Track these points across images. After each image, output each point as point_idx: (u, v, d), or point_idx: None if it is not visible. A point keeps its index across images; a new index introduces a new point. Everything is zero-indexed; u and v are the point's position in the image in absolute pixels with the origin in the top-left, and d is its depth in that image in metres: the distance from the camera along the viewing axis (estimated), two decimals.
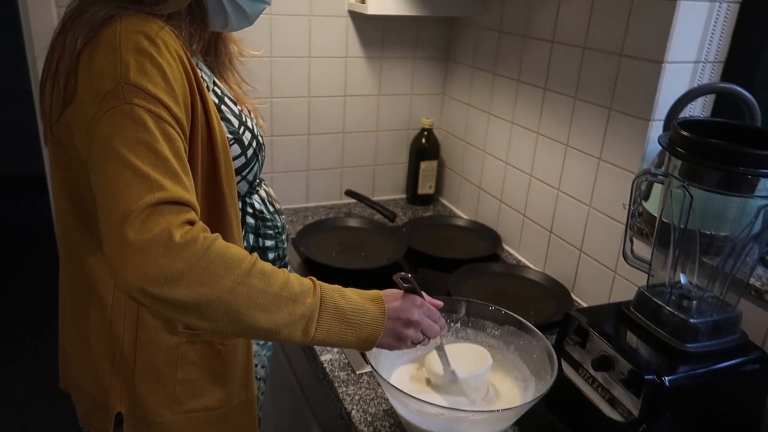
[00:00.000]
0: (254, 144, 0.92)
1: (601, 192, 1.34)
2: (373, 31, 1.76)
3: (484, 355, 1.00)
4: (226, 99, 0.89)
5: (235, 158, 0.88)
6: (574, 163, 1.40)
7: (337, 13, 1.71)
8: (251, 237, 0.99)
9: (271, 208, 1.04)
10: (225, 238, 0.82)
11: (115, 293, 0.85)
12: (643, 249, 1.18)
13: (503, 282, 1.48)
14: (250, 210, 0.99)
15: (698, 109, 1.21)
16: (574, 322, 0.99)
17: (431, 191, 1.94)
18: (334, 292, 0.80)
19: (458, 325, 1.08)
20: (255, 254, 0.75)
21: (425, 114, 1.92)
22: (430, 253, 1.58)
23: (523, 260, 1.61)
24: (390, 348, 0.87)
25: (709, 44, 1.16)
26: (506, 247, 1.68)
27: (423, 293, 0.92)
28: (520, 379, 1.00)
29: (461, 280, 1.44)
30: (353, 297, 0.82)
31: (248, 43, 1.65)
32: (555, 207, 1.48)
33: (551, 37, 1.43)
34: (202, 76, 0.84)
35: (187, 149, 0.76)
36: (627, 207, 0.97)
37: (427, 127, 1.88)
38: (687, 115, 1.19)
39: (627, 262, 1.00)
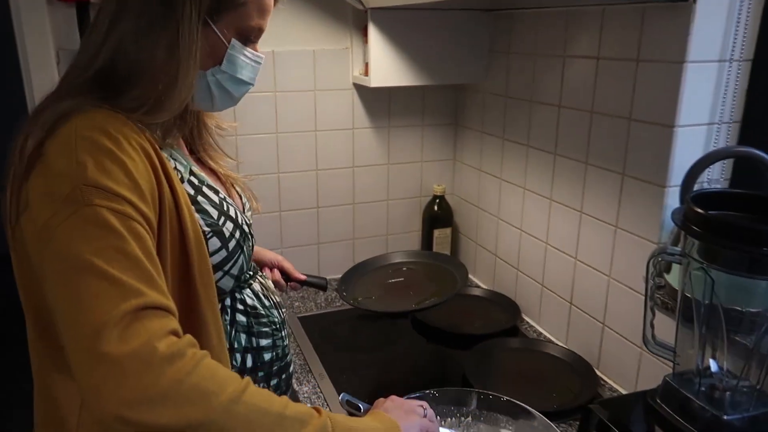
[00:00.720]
0: (237, 234, 0.87)
1: (620, 262, 1.26)
2: (379, 101, 1.75)
3: None
4: (204, 188, 0.85)
5: (214, 253, 0.83)
6: (590, 231, 1.33)
7: (343, 87, 1.70)
8: (243, 337, 0.92)
9: (267, 302, 0.98)
10: (200, 343, 0.76)
11: (81, 418, 0.75)
12: (668, 325, 1.09)
13: (523, 360, 1.39)
14: (240, 307, 0.93)
15: (717, 172, 1.14)
16: (594, 417, 0.90)
17: None
18: (339, 416, 0.74)
19: (469, 419, 1.00)
20: (248, 377, 0.69)
21: (437, 180, 1.88)
22: (445, 329, 1.51)
23: (545, 333, 1.52)
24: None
25: (723, 105, 1.10)
26: (526, 318, 1.59)
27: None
28: None
29: (478, 360, 1.36)
30: (366, 421, 0.78)
31: (253, 121, 1.69)
32: (573, 277, 1.40)
33: (558, 102, 1.39)
34: (175, 167, 0.80)
35: (155, 247, 0.72)
36: (645, 286, 0.90)
37: (439, 193, 1.83)
38: (705, 180, 1.11)
39: (648, 349, 0.92)
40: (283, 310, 1.04)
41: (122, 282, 0.62)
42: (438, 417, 1.00)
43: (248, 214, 1.00)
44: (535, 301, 1.55)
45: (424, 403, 0.86)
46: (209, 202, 0.84)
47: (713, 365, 0.86)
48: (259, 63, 0.86)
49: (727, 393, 0.84)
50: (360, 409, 0.87)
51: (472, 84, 1.75)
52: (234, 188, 1.00)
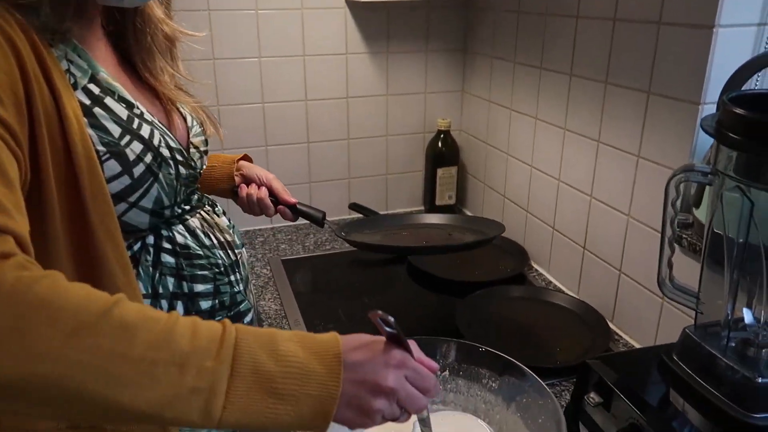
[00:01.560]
0: (148, 159, 0.69)
1: (641, 198, 1.06)
2: (376, 21, 1.55)
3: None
4: (107, 100, 0.68)
5: (113, 179, 0.66)
6: (608, 164, 1.14)
7: (333, 4, 1.51)
8: (170, 281, 0.77)
9: (209, 241, 0.82)
10: (100, 283, 0.62)
11: None
12: (694, 271, 0.90)
13: (527, 310, 1.22)
14: (167, 246, 0.76)
15: (766, 85, 0.93)
16: (594, 375, 0.73)
17: (452, 201, 1.70)
18: (261, 345, 0.53)
19: (446, 373, 0.85)
20: (119, 296, 0.51)
21: (442, 114, 1.68)
22: (442, 276, 1.35)
23: (554, 281, 1.35)
24: (350, 426, 0.59)
25: None
26: (535, 266, 1.42)
27: (411, 346, 0.63)
28: None
29: (474, 309, 1.20)
30: (291, 350, 0.54)
31: (232, 44, 1.51)
32: (588, 218, 1.22)
33: (575, 12, 1.18)
34: (68, 70, 0.65)
35: (26, 162, 0.57)
36: (663, 214, 0.71)
37: (443, 129, 1.64)
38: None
39: (664, 293, 0.74)
40: (238, 252, 0.87)
41: None
42: None
43: (198, 139, 0.84)
44: (545, 246, 1.37)
45: (418, 401, 0.61)
46: (111, 116, 0.67)
47: (748, 315, 0.68)
48: None
49: (764, 350, 0.66)
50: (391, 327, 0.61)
51: (481, 0, 1.53)
52: (178, 109, 0.83)
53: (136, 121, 0.70)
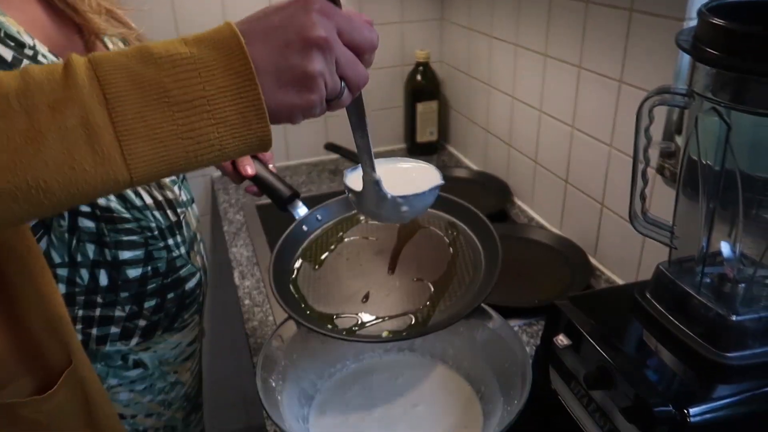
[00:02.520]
0: None
1: (623, 127, 1.00)
2: None
3: (433, 175, 0.68)
4: None
5: None
6: (590, 91, 1.06)
7: None
8: (90, 248, 0.68)
9: (140, 202, 0.72)
10: None
11: None
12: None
13: (508, 248, 1.16)
14: (86, 208, 0.67)
15: None
16: (563, 317, 0.70)
17: (433, 138, 1.63)
18: (127, 55, 0.42)
19: None
20: None
21: (420, 45, 1.59)
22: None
23: (537, 217, 1.30)
24: (292, 112, 0.47)
25: None
26: (517, 202, 1.37)
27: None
28: (487, 398, 0.73)
29: None
30: (169, 49, 0.43)
31: None
32: (570, 149, 1.15)
33: None
34: None
35: None
36: (635, 141, 0.65)
37: (422, 61, 1.55)
38: None
39: (636, 228, 0.69)
40: (181, 210, 0.78)
41: None
42: None
43: None
44: (528, 181, 1.32)
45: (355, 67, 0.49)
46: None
47: (725, 248, 0.63)
48: None
49: (741, 285, 0.62)
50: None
51: None
52: (104, 44, 0.74)
53: (24, 62, 0.59)
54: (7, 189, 0.41)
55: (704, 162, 0.60)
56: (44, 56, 0.62)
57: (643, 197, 0.66)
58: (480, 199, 1.37)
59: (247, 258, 1.19)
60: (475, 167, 1.55)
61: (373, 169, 0.61)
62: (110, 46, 0.75)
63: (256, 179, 0.86)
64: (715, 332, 0.60)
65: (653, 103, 0.61)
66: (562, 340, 0.69)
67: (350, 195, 0.66)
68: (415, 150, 1.64)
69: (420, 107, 1.58)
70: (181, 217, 0.79)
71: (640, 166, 0.64)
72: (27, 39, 0.61)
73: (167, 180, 0.79)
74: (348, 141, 1.56)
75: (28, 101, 0.41)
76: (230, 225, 1.32)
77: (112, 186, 0.43)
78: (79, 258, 0.68)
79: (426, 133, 1.61)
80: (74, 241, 0.68)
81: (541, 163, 1.26)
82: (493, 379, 0.72)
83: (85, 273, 0.69)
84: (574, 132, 1.13)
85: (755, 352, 0.59)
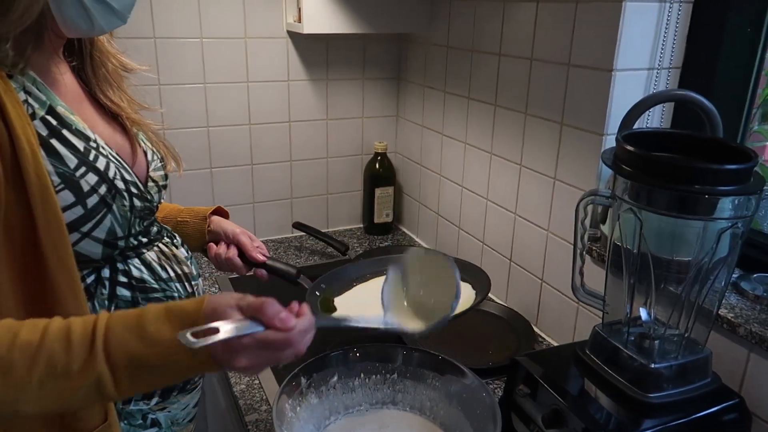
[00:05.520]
0: (103, 190, 0.72)
1: (558, 215, 1.22)
2: (316, 51, 1.65)
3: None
4: (65, 131, 0.71)
5: (66, 209, 0.68)
6: (530, 185, 1.28)
7: (275, 34, 1.60)
8: None
9: (165, 274, 0.84)
10: (51, 310, 0.66)
11: None
12: (603, 278, 1.05)
13: (461, 319, 1.34)
14: (123, 279, 0.79)
15: (656, 118, 1.10)
16: (522, 370, 0.86)
17: (389, 219, 1.81)
18: (129, 329, 0.61)
19: (395, 375, 0.95)
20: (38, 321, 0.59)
21: (378, 137, 1.80)
22: None
23: None
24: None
25: (662, 49, 1.05)
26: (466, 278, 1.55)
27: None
28: None
29: None
30: (159, 330, 0.61)
31: (178, 70, 1.56)
32: (513, 233, 1.36)
33: (498, 50, 1.32)
34: (27, 101, 0.68)
35: None
36: (575, 232, 0.85)
37: (380, 151, 1.76)
38: (644, 127, 1.07)
39: (577, 297, 0.87)
40: (194, 283, 0.90)
41: None
42: (363, 374, 0.95)
43: (158, 174, 0.87)
44: (476, 259, 1.51)
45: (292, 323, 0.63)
46: (67, 148, 0.70)
47: (643, 313, 0.83)
48: None
49: (656, 341, 0.81)
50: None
51: (414, 34, 1.67)
52: (139, 143, 0.87)
53: (93, 153, 0.73)
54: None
55: (625, 246, 0.80)
56: (103, 147, 0.76)
57: (581, 273, 0.85)
58: None
59: None
60: (426, 246, 1.73)
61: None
62: (143, 145, 0.89)
63: (265, 266, 1.02)
64: (639, 378, 0.78)
65: (587, 203, 0.81)
66: (522, 389, 0.84)
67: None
68: (372, 230, 1.81)
69: (378, 192, 1.77)
70: (195, 289, 0.91)
71: (579, 249, 0.84)
72: (90, 134, 0.75)
73: (183, 256, 0.91)
74: (311, 219, 1.72)
75: (67, 368, 0.59)
76: None
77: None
78: None
79: (383, 215, 1.79)
80: (112, 308, 0.78)
81: (488, 243, 1.46)
82: (467, 423, 0.86)
83: None
84: (516, 218, 1.34)
85: (670, 393, 0.77)
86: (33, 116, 0.68)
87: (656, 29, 1.04)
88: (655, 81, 1.07)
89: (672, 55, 1.06)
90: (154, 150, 0.90)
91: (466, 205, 1.53)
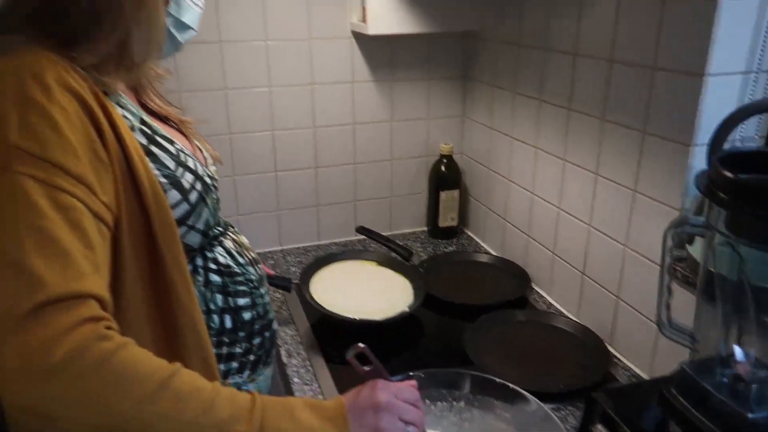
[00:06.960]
0: (199, 186, 0.79)
1: (637, 230, 1.13)
2: (380, 51, 1.61)
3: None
4: (158, 138, 0.76)
5: (175, 206, 0.75)
6: (606, 195, 1.20)
7: (340, 35, 1.57)
8: (219, 297, 0.85)
9: (242, 260, 0.90)
10: (170, 306, 0.71)
11: None
12: (689, 302, 0.97)
13: (530, 334, 1.28)
14: (213, 266, 0.85)
15: (752, 129, 0.99)
16: (599, 407, 0.80)
17: (454, 223, 1.76)
18: (281, 412, 0.64)
19: (462, 404, 0.91)
20: (176, 365, 0.60)
21: (444, 139, 1.75)
22: (448, 299, 1.40)
23: (555, 304, 1.41)
24: None
25: (762, 50, 0.94)
26: (536, 288, 1.48)
27: (388, 375, 0.76)
28: None
29: (481, 333, 1.26)
30: (308, 418, 0.65)
31: (242, 74, 1.56)
32: (587, 245, 1.28)
33: (573, 50, 1.24)
34: (124, 115, 0.72)
35: (99, 210, 0.62)
36: (662, 261, 0.78)
37: (446, 153, 1.70)
38: (738, 138, 0.97)
39: (663, 333, 0.80)
40: (259, 266, 0.96)
41: (25, 268, 0.55)
42: (427, 400, 0.91)
43: (212, 168, 0.92)
44: (546, 270, 1.44)
45: (412, 411, 0.72)
46: (165, 151, 0.76)
47: (738, 353, 0.75)
48: (201, 8, 0.83)
49: (754, 386, 0.72)
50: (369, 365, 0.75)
51: (481, 32, 1.60)
52: (192, 140, 0.92)
53: (182, 155, 0.78)
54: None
55: (719, 273, 0.72)
56: (183, 149, 0.80)
57: (668, 307, 0.78)
58: (499, 284, 1.49)
59: (291, 336, 1.29)
60: (493, 252, 1.67)
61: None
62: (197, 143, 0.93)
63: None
64: (734, 428, 0.70)
65: (675, 231, 0.74)
66: (600, 429, 0.78)
67: None
68: (437, 234, 1.76)
69: (443, 195, 1.72)
70: (262, 273, 0.96)
71: (666, 281, 0.76)
72: (172, 138, 0.79)
73: (247, 243, 0.96)
74: (374, 223, 1.69)
75: (225, 425, 0.60)
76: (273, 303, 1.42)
77: None
78: (212, 306, 0.83)
79: (447, 219, 1.74)
80: (209, 293, 0.84)
81: (559, 254, 1.38)
82: None
83: (216, 318, 0.84)
84: (591, 230, 1.26)
85: None
86: (132, 128, 0.72)
87: (756, 27, 0.93)
88: (753, 86, 0.97)
89: None
90: (203, 148, 0.94)
91: (536, 212, 1.46)
